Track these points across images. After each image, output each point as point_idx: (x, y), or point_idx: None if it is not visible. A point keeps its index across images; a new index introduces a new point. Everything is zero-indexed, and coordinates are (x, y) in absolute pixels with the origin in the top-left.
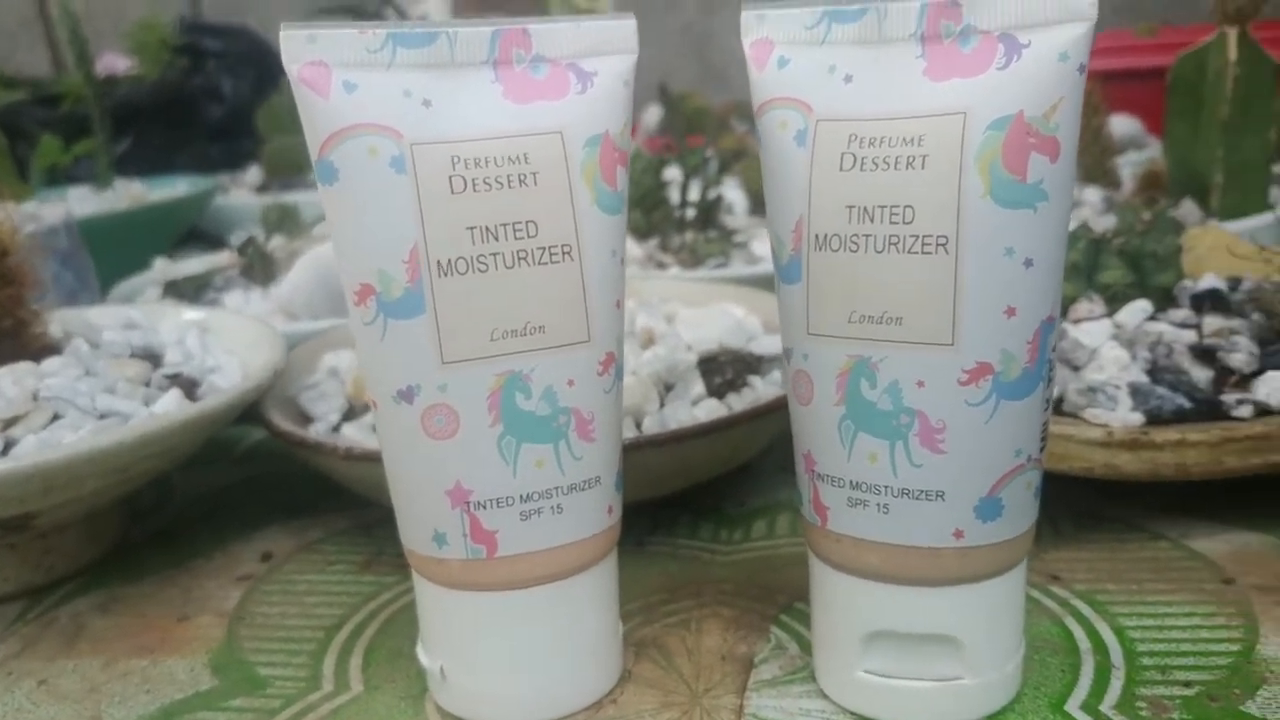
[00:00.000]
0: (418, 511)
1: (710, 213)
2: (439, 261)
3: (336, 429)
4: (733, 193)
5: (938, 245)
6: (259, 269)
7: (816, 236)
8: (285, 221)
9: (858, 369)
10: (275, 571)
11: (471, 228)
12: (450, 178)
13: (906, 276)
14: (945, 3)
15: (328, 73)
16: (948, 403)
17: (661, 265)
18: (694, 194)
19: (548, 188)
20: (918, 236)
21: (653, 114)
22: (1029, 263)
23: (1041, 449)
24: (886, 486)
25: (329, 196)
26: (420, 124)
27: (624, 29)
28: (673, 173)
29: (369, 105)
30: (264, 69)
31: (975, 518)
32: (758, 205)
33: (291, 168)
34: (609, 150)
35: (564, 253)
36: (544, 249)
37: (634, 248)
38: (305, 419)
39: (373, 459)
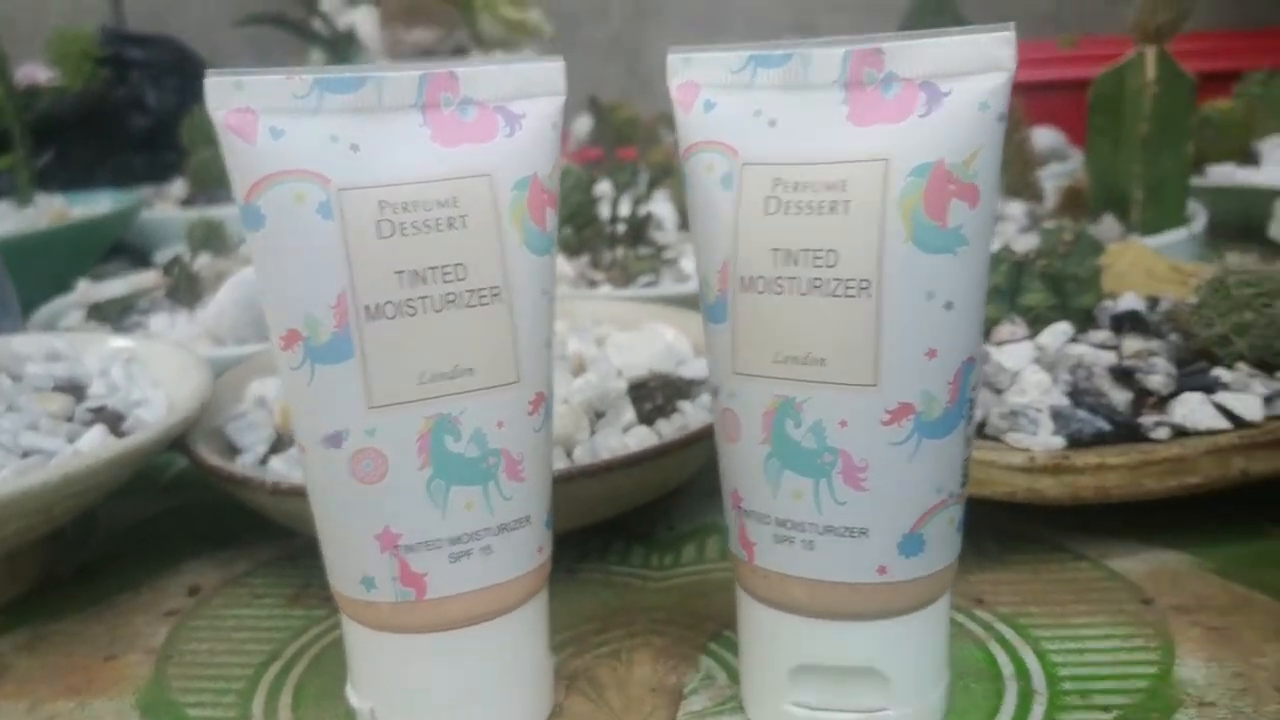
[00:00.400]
0: (346, 555)
1: (640, 229)
2: (367, 306)
3: (264, 461)
4: (662, 207)
5: (860, 289)
6: (185, 290)
7: (742, 278)
8: (211, 238)
9: (783, 408)
10: (203, 606)
11: (400, 272)
12: (378, 222)
13: (830, 319)
14: (868, 50)
15: (254, 119)
16: (870, 442)
17: (593, 283)
18: (624, 209)
19: (476, 230)
20: (841, 280)
21: (583, 125)
22: (949, 305)
23: (963, 485)
24: (811, 524)
25: (255, 242)
26: (347, 169)
27: (552, 71)
28: (603, 187)
29: (296, 151)
30: (189, 79)
31: (898, 554)
32: (687, 221)
33: (217, 180)
34: (538, 192)
35: (493, 295)
36: (473, 291)
37: (565, 266)
38: (232, 450)
39: (300, 494)
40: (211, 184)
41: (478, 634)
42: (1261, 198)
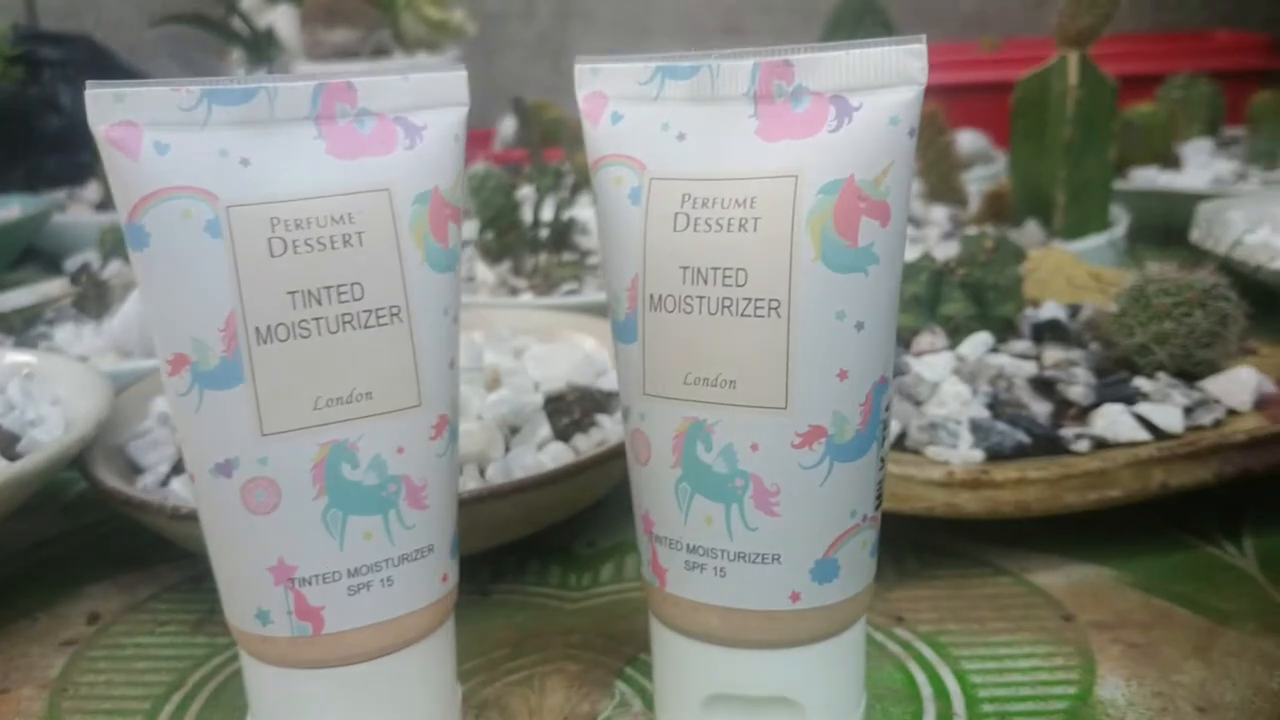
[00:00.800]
0: (240, 588)
1: (564, 234)
2: (258, 328)
3: (166, 482)
4: (587, 211)
5: (770, 309)
6: (93, 300)
7: (651, 296)
8: (122, 245)
9: (693, 431)
10: (102, 635)
11: (293, 292)
12: (270, 240)
13: (740, 339)
14: (777, 62)
15: (138, 133)
16: (782, 466)
17: (514, 290)
18: (547, 214)
19: (374, 248)
20: (750, 299)
21: (508, 126)
22: (860, 326)
23: (877, 507)
24: (723, 550)
25: (140, 262)
26: (237, 185)
27: (454, 81)
28: (526, 191)
29: (182, 166)
30: (104, 78)
31: (811, 580)
32: None
33: None
34: (439, 206)
35: (392, 315)
36: (370, 312)
37: (486, 272)
38: (134, 469)
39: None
40: None
41: (379, 668)
42: (1183, 202)
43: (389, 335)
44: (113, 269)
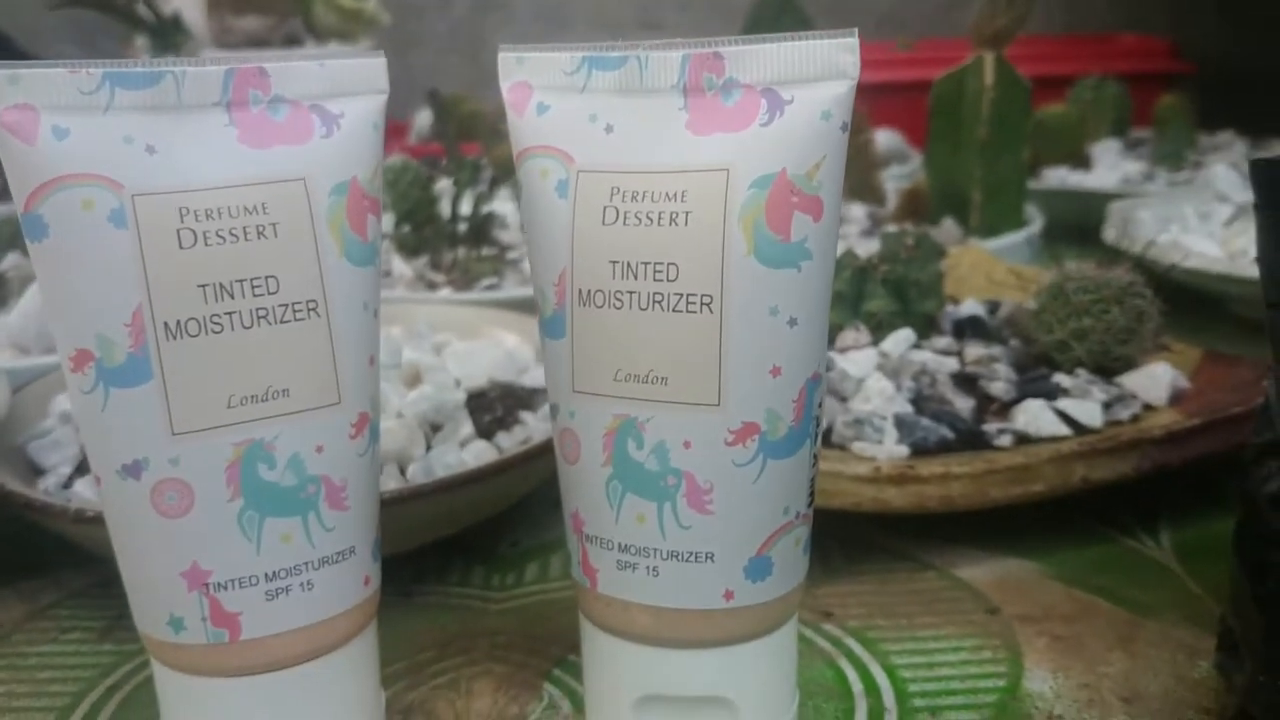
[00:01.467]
0: (151, 594)
1: (483, 229)
2: (166, 323)
3: (69, 484)
4: (505, 205)
5: (702, 304)
6: None
7: (580, 291)
8: (19, 237)
9: (625, 428)
10: (3, 644)
11: (204, 285)
12: (178, 231)
13: (671, 335)
14: (707, 54)
15: (35, 117)
16: (715, 463)
17: (432, 285)
18: (465, 208)
19: (289, 240)
20: (682, 295)
21: (423, 118)
22: (793, 321)
23: (809, 504)
24: (656, 549)
25: (38, 254)
26: (143, 173)
27: (373, 68)
28: (443, 184)
29: (83, 153)
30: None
31: (745, 578)
32: None
33: None
34: (357, 198)
35: (309, 309)
36: (286, 306)
37: (403, 266)
38: (35, 471)
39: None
40: None
41: (300, 675)
42: (1095, 201)
43: (306, 330)
44: (9, 262)
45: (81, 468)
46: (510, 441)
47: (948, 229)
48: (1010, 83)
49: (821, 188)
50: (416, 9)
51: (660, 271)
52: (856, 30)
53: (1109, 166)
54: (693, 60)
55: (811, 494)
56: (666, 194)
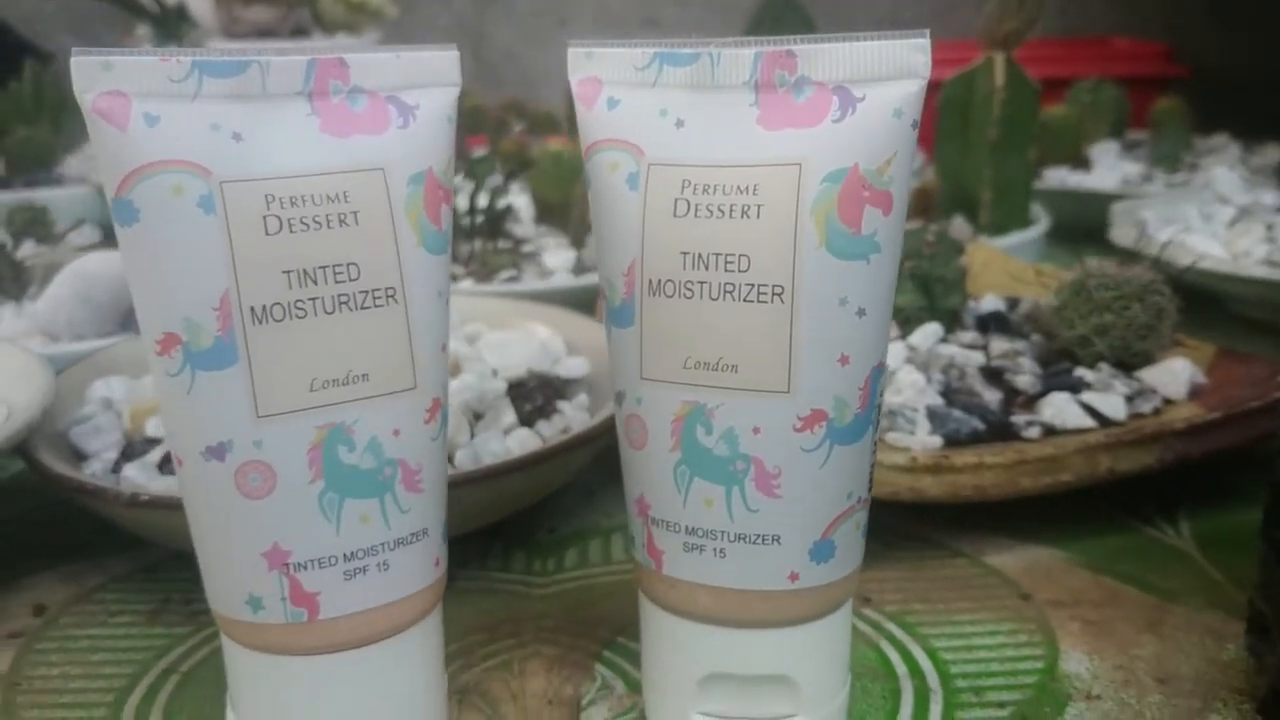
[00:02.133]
0: (229, 575)
1: (498, 222)
2: (253, 308)
3: (115, 469)
4: (518, 199)
5: (773, 294)
6: (10, 281)
7: (650, 281)
8: (34, 225)
9: (693, 415)
10: (51, 626)
11: (288, 271)
12: (264, 217)
13: (742, 324)
14: (780, 52)
15: (126, 104)
16: (783, 448)
17: (453, 277)
18: (482, 201)
19: (370, 228)
20: (753, 285)
21: None
22: (861, 312)
23: (869, 489)
24: (723, 531)
25: (128, 239)
26: (230, 160)
27: (446, 61)
28: (457, 178)
29: (173, 140)
30: (1, 53)
31: (810, 560)
32: (544, 213)
33: (36, 161)
34: (433, 188)
35: (388, 296)
36: (366, 292)
37: None
38: (77, 456)
39: (162, 505)
40: (30, 165)
41: (374, 654)
42: (1095, 201)
43: (385, 317)
44: (27, 249)
45: (127, 453)
46: (550, 430)
47: (959, 226)
48: (1019, 84)
49: (892, 183)
50: (417, 2)
51: (732, 262)
52: (929, 31)
53: (1108, 167)
54: (765, 58)
55: (871, 480)
56: (738, 187)
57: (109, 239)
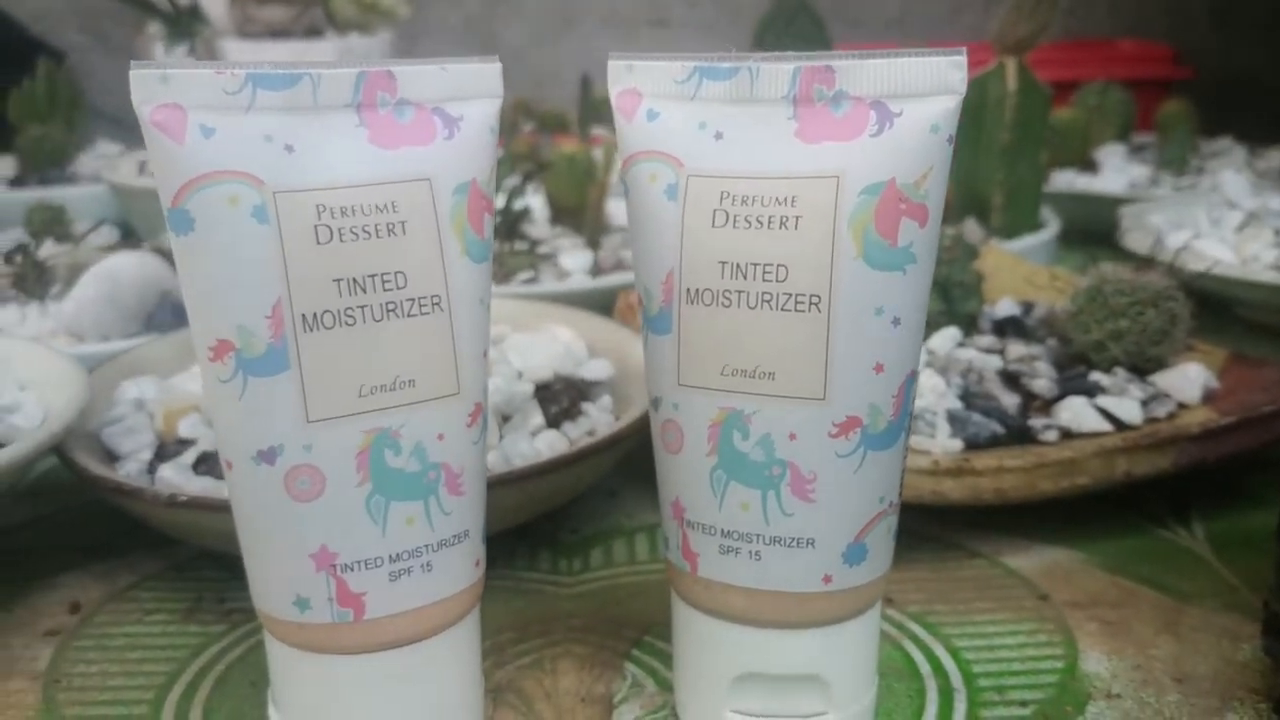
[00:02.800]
0: (277, 576)
1: (515, 223)
2: (304, 315)
3: (150, 469)
4: (532, 200)
5: (811, 304)
6: (34, 282)
7: (688, 290)
8: (53, 224)
9: (730, 421)
10: (87, 625)
11: (338, 279)
12: (316, 227)
13: (780, 333)
14: (819, 67)
15: (182, 116)
16: (819, 454)
17: None
18: (500, 202)
19: (417, 237)
20: (791, 295)
21: None
22: (896, 321)
23: (900, 493)
24: (759, 535)
25: (183, 248)
26: (283, 171)
27: (488, 73)
28: None
29: (228, 151)
30: (13, 51)
31: (843, 563)
32: (559, 215)
33: (50, 160)
34: (477, 198)
35: (434, 304)
36: (413, 300)
37: None
38: (110, 456)
39: (200, 506)
40: (44, 164)
41: (416, 653)
42: (1103, 204)
43: (430, 324)
44: (49, 250)
45: (161, 454)
46: (576, 432)
47: (971, 229)
48: (1031, 88)
49: (928, 196)
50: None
51: (770, 272)
52: (965, 49)
53: (1115, 170)
54: (804, 72)
55: (901, 484)
56: (776, 199)
57: (127, 239)
